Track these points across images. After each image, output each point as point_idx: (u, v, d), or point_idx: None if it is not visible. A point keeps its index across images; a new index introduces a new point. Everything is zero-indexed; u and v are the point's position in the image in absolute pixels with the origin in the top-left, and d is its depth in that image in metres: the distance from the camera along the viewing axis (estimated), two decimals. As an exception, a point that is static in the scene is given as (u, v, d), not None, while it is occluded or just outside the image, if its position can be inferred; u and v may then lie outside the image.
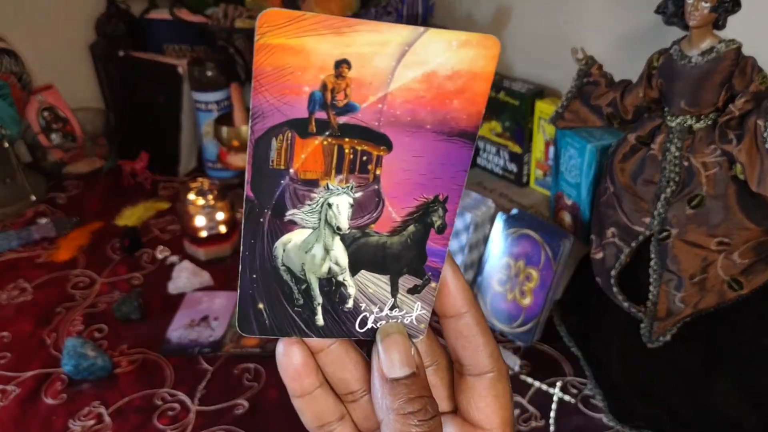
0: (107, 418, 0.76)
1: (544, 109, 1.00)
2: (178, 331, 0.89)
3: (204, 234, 1.03)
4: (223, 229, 1.04)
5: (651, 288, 0.78)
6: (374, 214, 0.26)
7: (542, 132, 1.02)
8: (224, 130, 1.09)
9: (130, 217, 1.15)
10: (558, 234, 0.81)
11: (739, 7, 0.70)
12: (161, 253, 1.05)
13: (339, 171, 0.25)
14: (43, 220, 1.14)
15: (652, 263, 0.78)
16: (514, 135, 1.05)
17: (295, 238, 0.26)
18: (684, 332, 0.79)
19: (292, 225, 0.26)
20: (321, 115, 0.24)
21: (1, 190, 1.19)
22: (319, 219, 0.26)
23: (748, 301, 0.77)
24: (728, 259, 0.75)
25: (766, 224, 0.74)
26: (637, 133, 0.80)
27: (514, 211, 0.88)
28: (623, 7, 0.91)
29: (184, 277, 0.97)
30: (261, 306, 0.27)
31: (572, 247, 0.81)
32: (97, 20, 1.35)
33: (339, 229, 0.26)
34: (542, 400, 0.76)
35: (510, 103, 1.03)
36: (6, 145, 1.18)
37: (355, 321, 0.28)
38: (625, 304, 0.80)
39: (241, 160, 1.11)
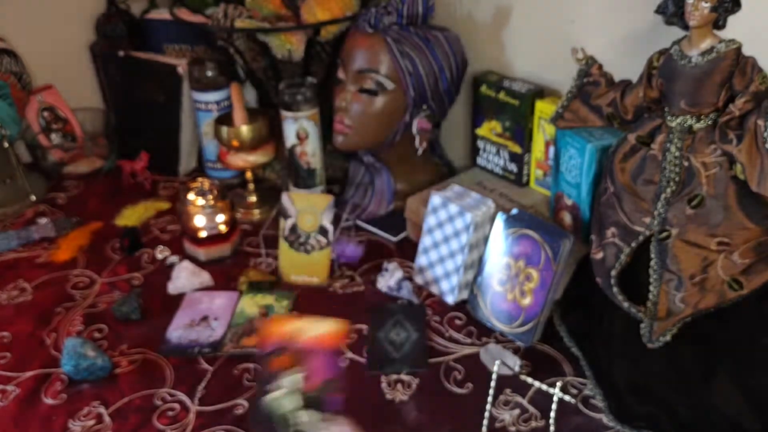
0: (107, 418, 0.76)
1: (544, 109, 1.00)
2: (177, 331, 0.89)
3: (204, 234, 1.03)
4: (222, 229, 1.04)
5: (651, 288, 0.78)
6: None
7: (542, 132, 1.02)
8: (224, 130, 1.09)
9: (130, 217, 1.15)
10: (558, 234, 0.81)
11: (739, 7, 0.70)
12: (161, 253, 1.06)
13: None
14: (43, 220, 1.15)
15: (652, 263, 0.78)
16: (515, 135, 1.05)
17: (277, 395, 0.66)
18: (684, 332, 0.79)
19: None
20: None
21: (1, 190, 1.19)
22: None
23: (748, 301, 0.77)
24: (728, 259, 0.75)
25: (766, 224, 0.75)
26: (638, 133, 0.80)
27: (515, 211, 0.88)
28: (623, 8, 0.91)
29: (184, 277, 0.97)
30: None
31: (572, 247, 0.81)
32: (97, 20, 1.36)
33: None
34: (542, 400, 0.76)
35: (510, 103, 1.03)
36: (6, 145, 1.18)
37: None
38: (625, 304, 0.80)
39: (241, 161, 1.11)
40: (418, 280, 0.96)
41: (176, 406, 0.78)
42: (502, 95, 1.04)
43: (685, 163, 0.75)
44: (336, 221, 0.99)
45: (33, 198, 1.21)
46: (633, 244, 0.79)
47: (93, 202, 1.21)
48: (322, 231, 0.98)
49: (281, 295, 0.95)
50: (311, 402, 0.61)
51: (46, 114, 1.31)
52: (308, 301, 0.94)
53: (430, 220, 0.93)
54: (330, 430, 0.58)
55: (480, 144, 1.12)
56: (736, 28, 0.71)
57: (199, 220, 1.02)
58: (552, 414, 0.73)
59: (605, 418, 0.74)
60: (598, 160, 0.88)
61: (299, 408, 0.61)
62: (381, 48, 0.98)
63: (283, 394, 0.60)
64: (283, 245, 0.99)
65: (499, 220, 0.87)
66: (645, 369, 0.77)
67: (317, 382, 0.59)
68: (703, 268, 0.76)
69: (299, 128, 1.05)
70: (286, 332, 0.63)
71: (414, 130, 1.07)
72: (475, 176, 1.12)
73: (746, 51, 0.71)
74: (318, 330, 0.63)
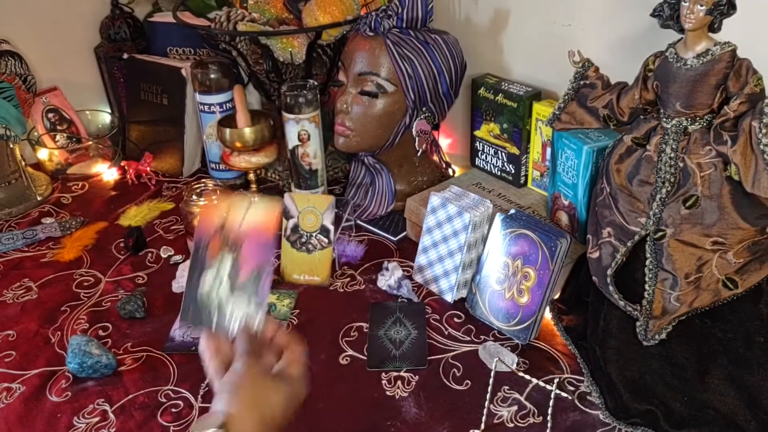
0: (111, 416, 0.77)
1: (541, 111, 1.01)
2: (181, 329, 0.90)
3: (207, 234, 1.04)
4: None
5: (647, 287, 0.79)
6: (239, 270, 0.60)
7: (539, 133, 1.03)
8: (227, 131, 1.10)
9: (135, 217, 1.16)
10: (555, 234, 0.82)
11: (734, 10, 0.71)
12: (165, 252, 1.07)
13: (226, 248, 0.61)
14: (48, 220, 1.16)
15: (647, 263, 0.79)
16: (512, 137, 1.06)
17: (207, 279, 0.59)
18: (679, 330, 0.80)
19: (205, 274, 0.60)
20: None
21: (7, 190, 1.20)
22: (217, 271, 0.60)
23: (742, 300, 0.78)
24: (723, 259, 0.76)
25: (760, 224, 0.75)
26: (633, 135, 0.81)
27: (512, 211, 0.89)
28: (620, 11, 0.92)
29: (186, 278, 0.98)
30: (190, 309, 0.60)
31: (569, 247, 0.82)
32: (102, 23, 1.37)
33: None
34: (540, 397, 0.77)
35: (508, 105, 1.04)
36: (11, 146, 1.20)
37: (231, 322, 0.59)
38: (621, 303, 0.81)
39: (243, 162, 1.13)
40: (418, 279, 0.97)
41: (180, 402, 0.79)
42: (500, 98, 1.05)
43: (680, 164, 0.76)
44: (337, 221, 1.00)
45: (38, 198, 1.22)
46: (629, 244, 0.80)
47: (97, 203, 1.22)
48: (324, 231, 0.99)
49: (283, 294, 0.96)
50: (245, 289, 0.57)
51: (51, 115, 1.32)
52: (310, 299, 0.95)
53: (430, 220, 0.94)
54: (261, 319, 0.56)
55: (478, 145, 1.13)
56: (731, 30, 0.72)
57: (202, 221, 1.03)
58: (549, 410, 0.74)
59: (602, 415, 0.74)
60: (594, 161, 0.89)
61: (232, 296, 0.57)
62: (381, 51, 1.00)
63: (217, 281, 0.58)
64: (285, 245, 1.00)
65: (497, 220, 0.88)
66: (641, 366, 0.78)
67: (250, 269, 0.56)
68: (697, 268, 0.77)
69: (301, 130, 1.06)
70: (219, 218, 0.58)
71: (414, 131, 1.08)
72: (474, 177, 1.13)
73: (741, 53, 0.72)
74: (251, 216, 0.57)
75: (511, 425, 0.74)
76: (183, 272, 0.99)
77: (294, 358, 0.57)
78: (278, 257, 1.01)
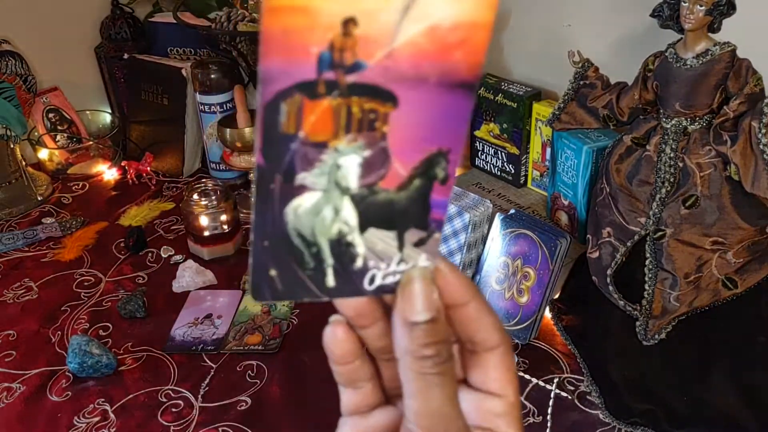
0: (112, 415, 0.77)
1: (541, 111, 1.01)
2: (181, 329, 0.90)
3: (207, 233, 1.04)
4: (226, 228, 1.05)
5: (646, 287, 0.80)
6: (381, 171, 0.26)
7: (539, 134, 1.03)
8: (228, 132, 1.10)
9: (135, 217, 1.16)
10: (555, 233, 0.82)
11: (733, 10, 0.71)
12: (165, 252, 1.07)
13: (348, 131, 0.25)
14: (49, 220, 1.16)
15: (647, 262, 0.79)
16: (512, 137, 1.06)
17: (305, 202, 0.26)
18: (679, 330, 0.80)
19: (302, 189, 0.26)
20: (329, 75, 0.24)
21: (7, 190, 1.20)
22: (329, 181, 0.26)
23: (742, 300, 0.78)
24: (722, 259, 0.76)
25: (760, 224, 0.76)
26: (633, 135, 0.81)
27: (512, 211, 0.89)
28: (619, 11, 0.92)
29: (188, 276, 0.99)
30: (273, 273, 0.27)
31: (569, 247, 0.82)
32: (102, 23, 1.37)
33: (348, 189, 0.26)
34: (540, 397, 0.77)
35: (508, 105, 1.04)
36: (12, 146, 1.20)
37: (364, 279, 0.28)
38: (621, 303, 0.81)
39: (244, 162, 1.13)
40: (418, 279, 0.97)
41: (180, 402, 0.79)
42: (500, 98, 1.05)
43: (680, 164, 0.76)
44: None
45: (38, 198, 1.22)
46: (628, 244, 0.80)
47: (98, 203, 1.22)
48: (324, 231, 0.98)
49: (283, 294, 0.96)
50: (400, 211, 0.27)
51: (51, 116, 1.33)
52: (310, 299, 0.95)
53: (430, 220, 0.94)
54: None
55: (478, 145, 1.13)
56: (730, 30, 0.72)
57: (203, 220, 1.03)
58: (549, 410, 0.74)
59: (601, 415, 0.74)
60: (593, 161, 0.89)
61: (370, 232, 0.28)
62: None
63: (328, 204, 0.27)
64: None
65: (497, 220, 0.88)
66: (641, 366, 0.78)
67: (415, 160, 0.26)
68: (697, 268, 0.77)
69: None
70: (328, 27, 0.23)
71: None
72: (474, 177, 1.13)
73: (741, 53, 0.72)
74: (424, 14, 0.24)
75: (511, 425, 0.74)
76: (183, 272, 0.99)
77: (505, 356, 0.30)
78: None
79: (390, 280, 0.28)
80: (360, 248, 0.27)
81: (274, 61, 0.23)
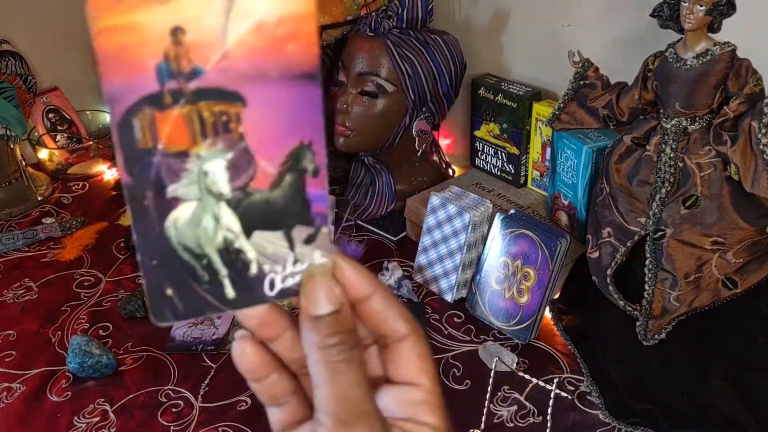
0: (112, 415, 0.77)
1: (541, 111, 1.01)
2: (181, 329, 0.90)
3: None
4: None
5: (646, 287, 0.80)
6: (249, 172, 0.26)
7: (539, 134, 1.03)
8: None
9: (134, 217, 1.16)
10: (555, 234, 0.82)
11: (733, 10, 0.71)
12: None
13: (204, 136, 0.25)
14: (49, 220, 1.16)
15: (647, 262, 0.79)
16: (512, 137, 1.06)
17: (182, 213, 0.26)
18: (679, 330, 0.80)
19: (177, 201, 0.26)
20: (172, 84, 0.24)
21: (7, 190, 1.20)
22: (200, 189, 0.26)
23: (742, 300, 0.78)
24: (722, 259, 0.76)
25: (760, 224, 0.76)
26: (633, 135, 0.81)
27: (512, 211, 0.89)
28: (619, 11, 0.92)
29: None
30: (169, 292, 0.26)
31: (569, 247, 0.83)
32: (102, 23, 1.37)
33: (221, 194, 0.26)
34: (539, 397, 0.77)
35: (508, 105, 1.04)
36: (12, 146, 1.20)
37: (264, 285, 0.27)
38: (621, 303, 0.81)
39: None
40: (418, 278, 0.97)
41: (180, 402, 0.79)
42: (500, 98, 1.05)
43: (680, 164, 0.76)
44: (337, 221, 1.00)
45: (38, 198, 1.22)
46: (628, 244, 0.80)
47: (98, 203, 1.22)
48: (324, 231, 0.98)
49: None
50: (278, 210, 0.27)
51: (51, 115, 1.32)
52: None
53: (430, 220, 0.94)
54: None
55: (478, 145, 1.13)
56: (730, 30, 0.72)
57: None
58: (549, 410, 0.74)
59: (601, 415, 0.74)
60: (593, 161, 0.89)
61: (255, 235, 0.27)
62: (381, 51, 1.00)
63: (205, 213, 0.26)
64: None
65: (497, 220, 0.88)
66: (641, 366, 0.78)
67: (280, 155, 0.26)
68: (697, 268, 0.77)
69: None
70: (159, 41, 0.24)
71: (414, 131, 1.08)
72: (474, 177, 1.13)
73: (740, 53, 0.72)
74: (247, 13, 0.25)
75: (511, 425, 0.74)
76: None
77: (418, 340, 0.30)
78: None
79: (290, 282, 0.28)
80: (250, 253, 0.27)
81: (115, 80, 0.24)
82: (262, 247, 0.27)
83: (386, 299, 0.29)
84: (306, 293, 0.27)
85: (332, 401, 0.27)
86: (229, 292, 0.27)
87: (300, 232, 0.27)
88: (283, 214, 0.27)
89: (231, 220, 0.26)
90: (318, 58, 0.25)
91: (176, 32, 0.23)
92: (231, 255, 0.27)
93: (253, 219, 0.27)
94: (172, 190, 0.25)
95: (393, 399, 0.29)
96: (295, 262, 0.28)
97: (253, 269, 0.27)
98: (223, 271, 0.27)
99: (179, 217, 0.26)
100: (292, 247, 0.27)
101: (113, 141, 0.25)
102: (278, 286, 0.28)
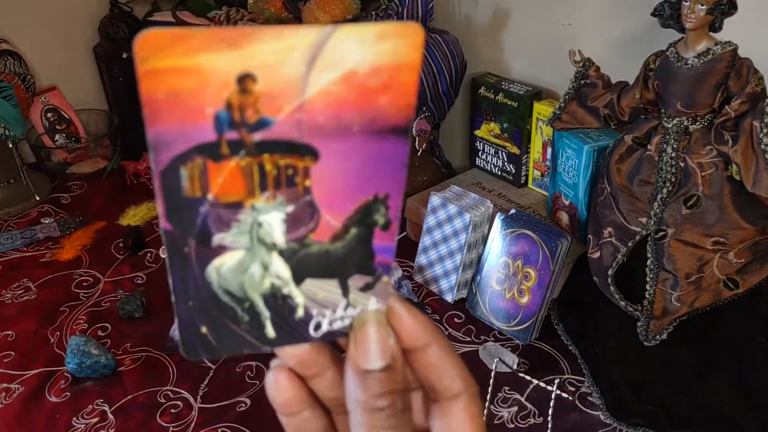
0: (111, 416, 0.77)
1: (541, 110, 1.01)
2: (180, 329, 0.90)
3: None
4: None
5: (647, 287, 0.79)
6: (311, 225, 0.25)
7: (540, 133, 1.03)
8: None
9: (134, 216, 1.16)
10: (555, 234, 0.82)
11: (735, 10, 0.71)
12: (164, 252, 1.06)
13: (264, 189, 0.23)
14: (47, 220, 1.15)
15: (648, 263, 0.79)
16: (512, 136, 1.06)
17: (227, 260, 0.25)
18: (680, 331, 0.79)
19: (222, 249, 0.24)
20: (232, 135, 0.22)
21: (6, 190, 1.20)
22: (251, 239, 0.24)
23: (743, 300, 0.78)
24: (724, 259, 0.76)
25: (762, 224, 0.75)
26: (634, 134, 0.80)
27: (513, 211, 0.89)
28: (620, 10, 0.92)
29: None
30: (204, 330, 0.25)
31: (569, 247, 0.82)
32: (101, 22, 1.37)
33: (274, 245, 0.25)
34: (540, 398, 0.77)
35: (508, 104, 1.04)
36: (10, 145, 1.19)
37: (309, 326, 0.26)
38: (622, 303, 0.81)
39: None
40: (418, 279, 0.97)
41: (179, 403, 0.79)
42: (500, 97, 1.05)
43: (681, 164, 0.76)
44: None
45: (37, 198, 1.22)
46: (629, 244, 0.80)
47: (97, 203, 1.22)
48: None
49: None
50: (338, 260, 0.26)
51: (50, 115, 1.32)
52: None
53: (430, 220, 0.94)
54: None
55: (478, 145, 1.13)
56: (732, 30, 0.72)
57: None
58: (550, 411, 0.74)
59: (602, 416, 0.74)
60: (594, 161, 0.89)
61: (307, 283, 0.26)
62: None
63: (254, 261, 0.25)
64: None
65: (498, 220, 0.87)
66: (642, 367, 0.78)
67: (347, 210, 0.25)
68: (698, 268, 0.77)
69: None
70: (222, 87, 0.22)
71: (414, 131, 1.08)
72: (474, 177, 1.13)
73: (742, 52, 0.72)
74: (334, 64, 0.22)
75: (512, 426, 0.74)
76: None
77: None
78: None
79: (338, 325, 0.26)
80: (299, 299, 0.26)
81: (162, 125, 0.22)
82: (312, 293, 0.26)
83: (444, 351, 0.26)
84: (356, 341, 0.25)
85: None
86: (270, 332, 0.26)
87: (357, 280, 0.26)
88: (342, 264, 0.26)
89: (281, 268, 0.25)
90: (413, 111, 0.23)
91: (245, 80, 0.21)
92: (277, 300, 0.26)
93: (307, 268, 0.25)
94: (218, 238, 0.24)
95: None
96: (347, 307, 0.26)
97: (300, 313, 0.26)
98: (266, 314, 0.26)
99: (224, 263, 0.25)
100: (346, 293, 0.26)
101: (154, 187, 0.23)
102: (324, 328, 0.26)
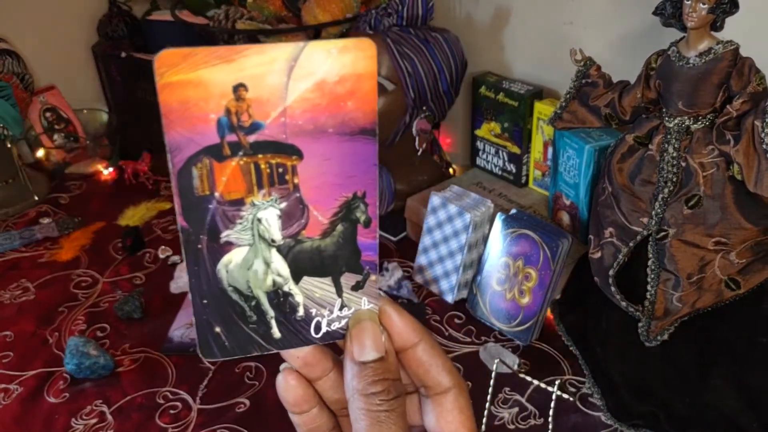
0: (109, 417, 0.77)
1: (542, 110, 1.00)
2: (179, 330, 0.89)
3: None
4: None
5: (649, 287, 0.79)
6: (302, 221, 0.28)
7: (541, 133, 1.03)
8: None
9: (132, 217, 1.15)
10: (556, 234, 0.82)
11: (736, 9, 0.70)
12: (163, 252, 1.06)
13: (260, 186, 0.27)
14: (46, 220, 1.15)
15: (649, 263, 0.79)
16: (513, 136, 1.06)
17: (234, 257, 0.28)
18: (681, 331, 0.79)
19: (229, 245, 0.27)
20: (232, 137, 0.26)
21: (4, 190, 1.19)
22: (253, 235, 0.27)
23: (745, 300, 0.78)
24: (725, 259, 0.76)
25: (763, 224, 0.75)
26: (635, 134, 0.80)
27: (513, 211, 0.88)
28: (621, 9, 0.92)
29: (186, 277, 0.98)
30: (218, 329, 0.28)
31: (570, 247, 0.82)
32: (99, 21, 1.36)
33: (273, 241, 0.28)
34: (541, 399, 0.76)
35: (509, 104, 1.04)
36: (8, 145, 1.19)
37: (310, 327, 0.29)
38: (623, 304, 0.81)
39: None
40: (418, 279, 0.96)
41: (178, 404, 0.78)
42: (501, 96, 1.04)
43: (683, 164, 0.76)
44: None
45: (35, 198, 1.21)
46: (631, 244, 0.79)
47: (95, 203, 1.22)
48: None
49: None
50: (327, 257, 0.28)
51: (48, 115, 1.32)
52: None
53: (430, 220, 0.93)
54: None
55: (479, 145, 1.12)
56: (733, 29, 0.72)
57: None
58: (550, 412, 0.74)
59: (603, 416, 0.74)
60: (596, 160, 0.88)
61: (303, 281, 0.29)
62: (381, 49, 0.99)
63: (256, 258, 0.28)
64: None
65: (498, 220, 0.87)
66: (643, 367, 0.78)
67: (332, 206, 0.28)
68: (700, 268, 0.76)
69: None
70: (221, 97, 0.25)
71: (414, 130, 1.07)
72: (475, 177, 1.12)
73: (744, 52, 0.72)
74: (307, 73, 0.26)
75: (512, 427, 0.74)
76: (181, 273, 0.99)
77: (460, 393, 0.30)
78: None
79: (336, 326, 0.29)
80: (298, 297, 0.29)
81: (177, 131, 0.25)
82: (310, 292, 0.29)
83: (432, 349, 0.29)
84: (352, 338, 0.28)
85: None
86: (276, 332, 0.29)
87: (348, 279, 0.29)
88: (333, 261, 0.28)
89: (281, 265, 0.28)
90: (376, 115, 0.26)
91: (239, 89, 0.25)
92: (279, 298, 0.29)
93: (303, 265, 0.28)
94: (225, 235, 0.27)
95: None
96: (342, 307, 0.29)
97: (300, 312, 0.29)
98: (271, 313, 0.29)
99: (231, 260, 0.28)
100: (339, 292, 0.29)
101: (172, 188, 0.26)
102: (324, 329, 0.29)
